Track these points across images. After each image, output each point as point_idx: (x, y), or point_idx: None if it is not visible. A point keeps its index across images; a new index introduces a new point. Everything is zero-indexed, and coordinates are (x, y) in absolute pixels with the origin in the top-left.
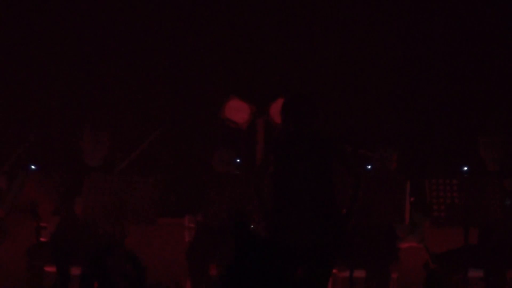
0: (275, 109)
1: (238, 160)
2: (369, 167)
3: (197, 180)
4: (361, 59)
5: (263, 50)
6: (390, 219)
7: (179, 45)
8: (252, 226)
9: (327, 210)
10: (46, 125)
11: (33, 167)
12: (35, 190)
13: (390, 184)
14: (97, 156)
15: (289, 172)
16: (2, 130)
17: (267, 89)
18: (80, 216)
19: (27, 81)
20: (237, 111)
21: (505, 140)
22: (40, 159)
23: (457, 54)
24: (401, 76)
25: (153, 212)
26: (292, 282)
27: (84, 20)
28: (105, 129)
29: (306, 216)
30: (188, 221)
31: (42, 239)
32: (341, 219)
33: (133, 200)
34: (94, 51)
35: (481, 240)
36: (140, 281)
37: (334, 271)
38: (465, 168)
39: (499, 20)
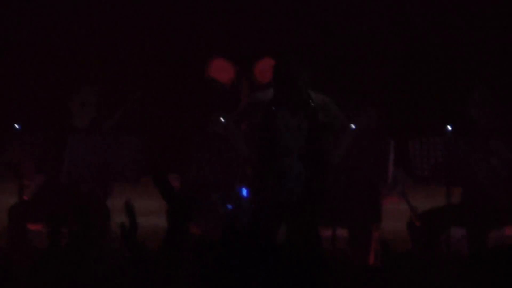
0: (260, 68)
1: (222, 120)
2: (353, 126)
3: (180, 140)
4: (347, 16)
5: (247, 9)
6: (373, 178)
7: (164, 7)
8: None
9: (314, 166)
10: (33, 85)
11: (17, 126)
12: (19, 149)
13: (373, 143)
14: (85, 117)
15: (277, 128)
16: None
17: (252, 49)
18: (63, 175)
19: (14, 42)
20: (221, 71)
21: (494, 98)
22: (26, 119)
23: (444, 10)
24: (385, 33)
25: (137, 172)
26: (275, 240)
27: None
28: (93, 91)
29: (293, 170)
30: (172, 181)
31: (25, 198)
32: (325, 173)
33: (117, 159)
34: (83, 12)
35: (464, 200)
36: (131, 236)
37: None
38: (449, 128)
39: None
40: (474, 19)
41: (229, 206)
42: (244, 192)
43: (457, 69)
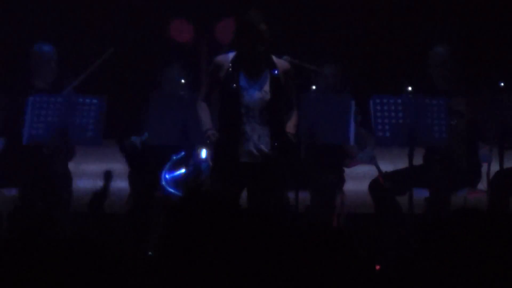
0: (221, 28)
1: (182, 81)
2: (314, 87)
3: (141, 100)
4: None
5: None
6: (334, 139)
7: None
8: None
9: (276, 129)
10: None
11: None
12: None
13: (334, 104)
14: (45, 77)
15: (238, 90)
16: None
17: (212, 9)
18: (24, 138)
19: None
20: (181, 31)
21: (455, 56)
22: None
23: None
24: None
25: (98, 133)
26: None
27: None
28: (52, 49)
29: (254, 132)
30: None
31: None
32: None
33: (78, 121)
34: None
35: (426, 161)
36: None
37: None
38: (409, 88)
39: None
40: None
41: (189, 168)
42: (204, 153)
43: (418, 25)
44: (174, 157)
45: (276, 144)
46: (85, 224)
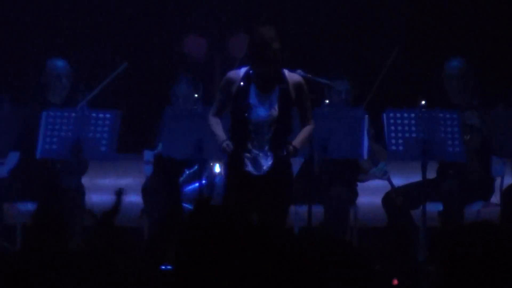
0: (234, 43)
1: (196, 95)
2: (327, 101)
3: (155, 115)
4: None
5: None
6: (347, 154)
7: None
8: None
9: (279, 145)
10: (4, 58)
11: None
12: None
13: (347, 118)
14: (59, 92)
15: (248, 105)
16: None
17: (226, 24)
18: (38, 152)
19: None
20: (195, 46)
21: (469, 70)
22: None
23: None
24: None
25: (112, 147)
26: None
27: None
28: (66, 65)
29: (263, 150)
30: (147, 156)
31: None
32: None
33: (92, 135)
34: None
35: (439, 175)
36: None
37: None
38: (423, 102)
39: None
40: None
41: (203, 182)
42: (218, 168)
43: (433, 39)
44: (187, 171)
45: (276, 160)
46: (98, 238)
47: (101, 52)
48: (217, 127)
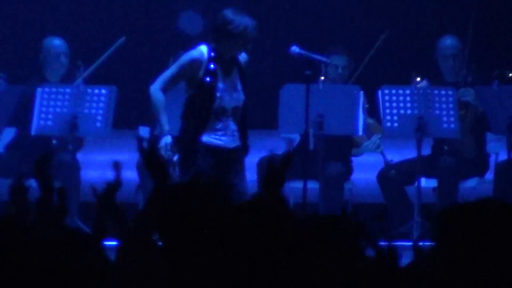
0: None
1: None
2: (322, 78)
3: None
4: None
5: None
6: (343, 130)
7: None
8: None
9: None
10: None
11: None
12: None
13: (343, 94)
14: (57, 70)
15: (215, 87)
16: None
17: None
18: (33, 128)
19: None
20: (190, 22)
21: (462, 49)
22: None
23: None
24: None
25: (107, 123)
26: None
27: None
28: (63, 43)
29: (228, 129)
30: (142, 132)
31: None
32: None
33: (87, 111)
34: None
35: (434, 151)
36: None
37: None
38: (418, 79)
39: None
40: None
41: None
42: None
43: (427, 15)
44: None
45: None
46: (93, 214)
47: (98, 27)
48: (163, 110)
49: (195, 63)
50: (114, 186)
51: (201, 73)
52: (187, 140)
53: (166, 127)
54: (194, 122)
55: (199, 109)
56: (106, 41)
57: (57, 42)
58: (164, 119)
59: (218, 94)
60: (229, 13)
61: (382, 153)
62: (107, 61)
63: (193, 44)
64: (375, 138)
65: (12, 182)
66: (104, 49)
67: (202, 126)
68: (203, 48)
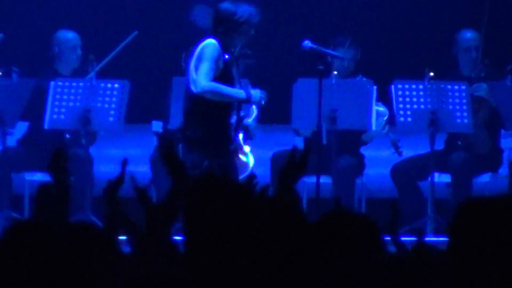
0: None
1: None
2: (335, 72)
3: (164, 85)
4: None
5: None
6: (355, 125)
7: None
8: None
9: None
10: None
11: None
12: (1, 95)
13: (355, 89)
14: (69, 63)
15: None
16: None
17: None
18: (46, 122)
19: None
20: (204, 16)
21: (482, 41)
22: (9, 63)
23: None
24: None
25: (120, 118)
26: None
27: None
28: (76, 36)
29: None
30: (155, 127)
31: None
32: None
33: (100, 105)
34: None
35: (447, 146)
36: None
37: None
38: (431, 73)
39: None
40: None
41: None
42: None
43: (442, 8)
44: None
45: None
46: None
47: (109, 20)
48: (227, 88)
49: (220, 54)
50: (117, 182)
51: (220, 64)
52: (216, 135)
53: (244, 92)
54: (218, 115)
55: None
56: (117, 35)
57: (71, 35)
58: (236, 90)
59: (236, 86)
60: (229, 5)
61: (388, 134)
62: (120, 55)
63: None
64: (381, 120)
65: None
66: (115, 42)
67: (227, 120)
68: (215, 41)
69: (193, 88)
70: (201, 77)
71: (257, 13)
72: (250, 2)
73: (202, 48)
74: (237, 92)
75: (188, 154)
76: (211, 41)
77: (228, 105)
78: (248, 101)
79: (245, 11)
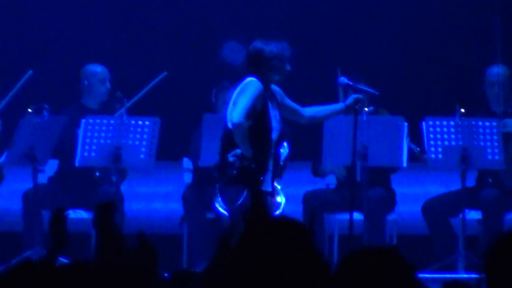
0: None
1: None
2: (371, 108)
3: (194, 122)
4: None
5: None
6: (387, 162)
7: None
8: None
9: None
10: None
11: (29, 110)
12: (32, 132)
13: (387, 126)
14: (100, 96)
15: (269, 117)
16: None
17: (264, 30)
18: (77, 159)
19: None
20: (234, 52)
21: (508, 77)
22: (38, 100)
23: None
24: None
25: (151, 155)
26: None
27: None
28: (105, 70)
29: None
30: (186, 164)
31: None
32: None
33: (131, 142)
34: None
35: (478, 182)
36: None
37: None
38: (462, 110)
39: None
40: None
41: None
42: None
43: (472, 45)
44: None
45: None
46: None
47: (139, 58)
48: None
49: (261, 91)
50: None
51: (260, 101)
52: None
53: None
54: (258, 154)
55: (261, 140)
56: (146, 73)
57: (100, 68)
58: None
59: (273, 124)
60: (258, 43)
61: (410, 144)
62: (149, 92)
63: (236, 74)
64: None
65: (51, 213)
66: (143, 80)
67: (266, 160)
68: (255, 79)
69: (229, 122)
70: (237, 113)
71: (287, 47)
72: (282, 37)
73: (245, 85)
74: (247, 149)
75: (225, 189)
76: (252, 79)
77: (267, 142)
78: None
79: (274, 47)
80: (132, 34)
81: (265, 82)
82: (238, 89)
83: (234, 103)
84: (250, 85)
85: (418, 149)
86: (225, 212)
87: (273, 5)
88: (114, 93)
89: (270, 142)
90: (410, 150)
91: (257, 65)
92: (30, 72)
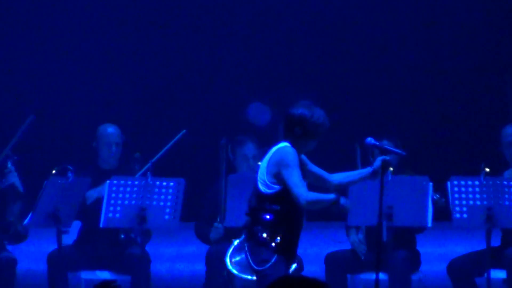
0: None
1: (259, 163)
2: (391, 169)
3: (216, 183)
4: (376, 57)
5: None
6: (412, 222)
7: (199, 47)
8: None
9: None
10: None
11: (54, 171)
12: (57, 194)
13: (412, 186)
14: (110, 158)
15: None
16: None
17: (289, 92)
18: (102, 221)
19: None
20: (259, 114)
21: None
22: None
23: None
24: (418, 71)
25: (176, 216)
26: None
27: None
28: (118, 130)
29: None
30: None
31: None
32: None
33: (156, 203)
34: (112, 47)
35: (503, 242)
36: None
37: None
38: (487, 169)
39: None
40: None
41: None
42: None
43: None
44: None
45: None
46: None
47: (159, 118)
48: (319, 194)
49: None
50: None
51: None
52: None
53: (333, 195)
54: (288, 223)
55: (293, 206)
56: (165, 133)
57: (110, 130)
58: (328, 195)
59: None
60: (304, 109)
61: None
62: (170, 152)
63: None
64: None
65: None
66: (161, 141)
67: (298, 230)
68: (289, 145)
69: (300, 201)
70: (301, 190)
71: (326, 117)
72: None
73: (285, 155)
74: (329, 196)
75: (257, 249)
76: (289, 147)
77: (300, 210)
78: (337, 202)
79: (320, 114)
80: (150, 92)
81: (300, 149)
82: (276, 155)
83: (284, 177)
84: (291, 156)
85: (437, 196)
86: (236, 272)
87: (298, 68)
88: (133, 154)
89: (303, 210)
90: (432, 200)
91: (302, 130)
92: (33, 117)
